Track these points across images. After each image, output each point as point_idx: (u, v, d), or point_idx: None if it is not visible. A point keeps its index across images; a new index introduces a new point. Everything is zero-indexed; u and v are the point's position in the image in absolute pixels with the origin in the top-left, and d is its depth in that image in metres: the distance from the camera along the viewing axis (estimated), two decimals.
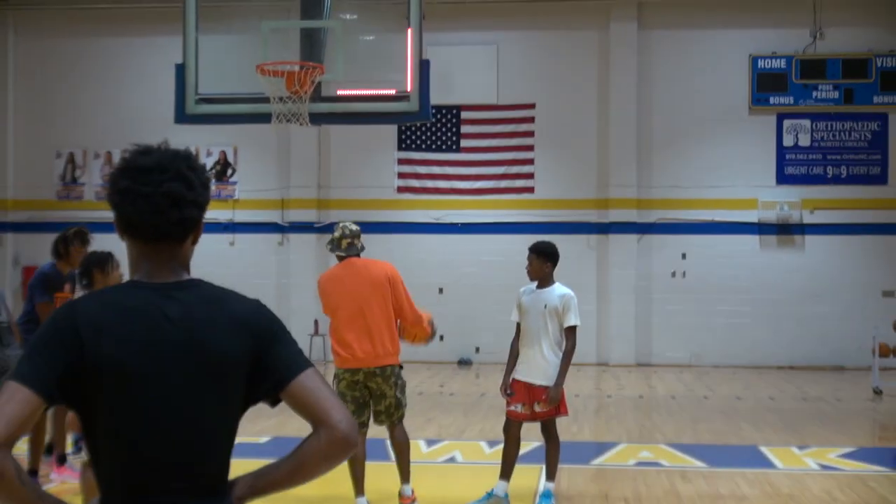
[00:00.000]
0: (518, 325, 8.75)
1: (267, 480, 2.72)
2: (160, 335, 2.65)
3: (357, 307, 8.23)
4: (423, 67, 10.16)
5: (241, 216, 22.39)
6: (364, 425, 8.30)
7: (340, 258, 8.48)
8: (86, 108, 22.87)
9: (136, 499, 2.64)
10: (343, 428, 2.68)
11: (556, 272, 8.65)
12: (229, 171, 22.87)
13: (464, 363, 21.48)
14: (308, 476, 2.71)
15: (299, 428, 11.34)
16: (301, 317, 21.66)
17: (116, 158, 22.80)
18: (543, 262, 8.56)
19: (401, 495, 8.48)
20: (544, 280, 8.61)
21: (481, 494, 8.78)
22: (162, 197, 2.70)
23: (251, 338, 2.74)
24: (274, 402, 2.79)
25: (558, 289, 8.62)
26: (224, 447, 2.75)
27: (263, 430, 12.62)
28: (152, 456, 2.63)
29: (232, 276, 21.76)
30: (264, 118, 10.22)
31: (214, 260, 22.12)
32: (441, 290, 21.81)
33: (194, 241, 2.85)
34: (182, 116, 10.48)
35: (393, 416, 8.41)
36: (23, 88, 23.52)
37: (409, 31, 10.12)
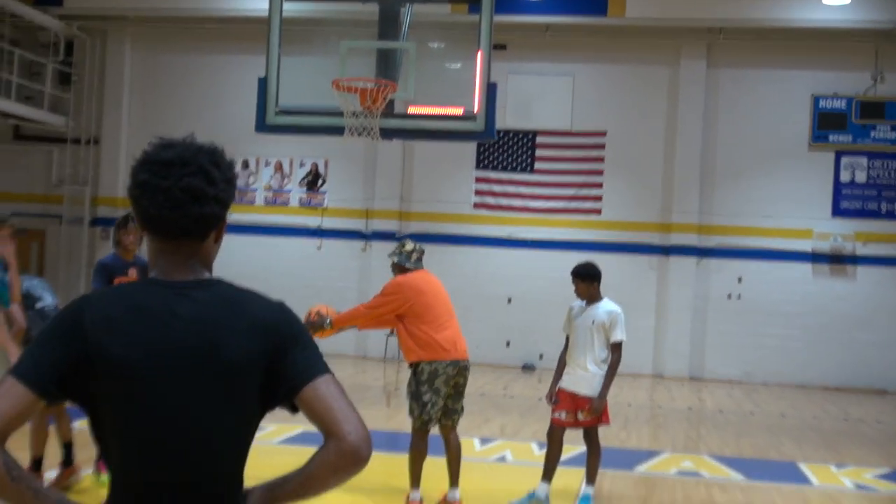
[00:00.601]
0: (567, 337, 8.54)
1: (278, 493, 2.48)
2: (168, 335, 2.41)
3: (448, 308, 8.42)
4: (491, 90, 10.06)
5: (329, 223, 22.64)
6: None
7: (403, 270, 8.46)
8: (191, 117, 23.30)
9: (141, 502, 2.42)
10: (352, 440, 2.39)
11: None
12: (320, 182, 23.10)
13: (528, 368, 21.44)
14: (318, 489, 2.46)
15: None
16: None
17: None
18: (589, 284, 8.48)
19: (448, 499, 8.26)
20: (592, 297, 8.40)
21: (524, 494, 8.53)
22: (181, 192, 2.44)
23: (268, 341, 2.47)
24: (293, 409, 2.51)
25: (606, 305, 8.46)
26: (235, 453, 2.49)
27: None
28: (157, 460, 2.40)
29: (318, 278, 22.22)
30: (338, 131, 10.18)
31: (303, 263, 22.53)
32: (510, 300, 22.15)
33: (217, 240, 2.59)
34: (262, 126, 10.47)
35: (460, 415, 8.48)
36: (136, 98, 24.20)
37: (479, 53, 9.99)
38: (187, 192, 2.45)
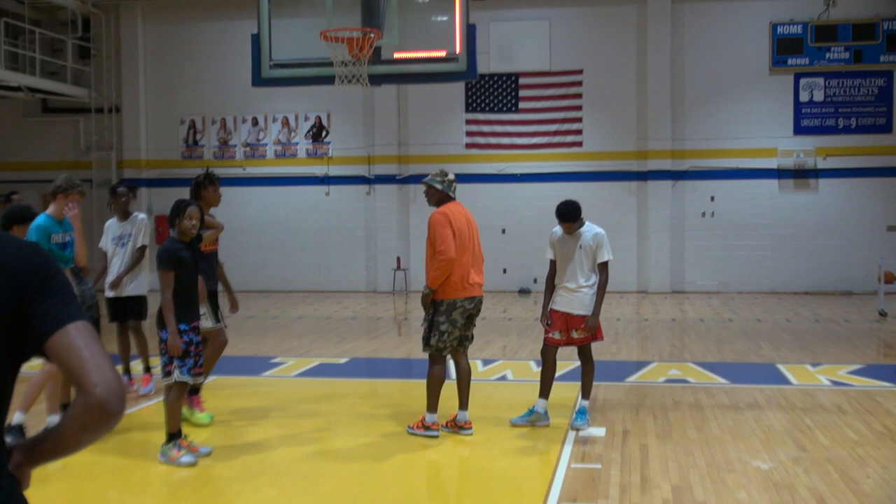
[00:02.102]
0: (552, 262, 8.12)
1: (39, 449, 2.07)
2: None
3: (474, 245, 8.01)
4: (470, 31, 9.59)
5: (335, 171, 22.32)
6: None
7: (442, 198, 7.96)
8: (203, 82, 23.09)
9: None
10: (99, 392, 1.95)
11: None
12: (324, 133, 22.71)
13: (523, 292, 21.16)
14: (72, 446, 2.03)
15: (373, 350, 11.01)
16: (386, 254, 22.16)
17: (230, 124, 22.73)
18: (574, 222, 7.95)
19: (458, 420, 7.90)
20: (577, 226, 8.00)
21: (524, 411, 8.20)
22: None
23: (12, 286, 2.02)
24: (48, 357, 2.07)
25: (590, 228, 8.06)
26: None
27: (343, 351, 12.21)
28: None
29: (328, 221, 21.98)
30: (329, 80, 9.68)
31: (314, 208, 22.34)
32: (504, 231, 21.93)
33: None
34: (258, 80, 10.03)
35: (471, 341, 8.22)
36: (151, 67, 23.72)
37: None
38: None
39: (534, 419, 8.22)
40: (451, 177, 8.05)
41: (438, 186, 7.94)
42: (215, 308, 8.74)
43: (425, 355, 8.04)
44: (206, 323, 8.39)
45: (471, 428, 7.96)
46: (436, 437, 7.88)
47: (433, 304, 7.85)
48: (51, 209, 7.72)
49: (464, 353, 8.11)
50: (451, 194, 7.99)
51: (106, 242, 9.84)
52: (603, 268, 8.10)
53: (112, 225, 9.83)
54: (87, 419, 1.97)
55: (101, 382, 1.96)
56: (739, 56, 21.25)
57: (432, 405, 7.93)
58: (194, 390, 8.40)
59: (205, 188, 8.49)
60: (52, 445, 2.04)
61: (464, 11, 9.44)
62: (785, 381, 10.44)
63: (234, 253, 21.44)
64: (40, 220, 7.69)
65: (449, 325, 7.81)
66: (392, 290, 21.75)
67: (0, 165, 23.44)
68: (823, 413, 8.68)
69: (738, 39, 21.26)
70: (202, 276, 7.84)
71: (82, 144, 23.68)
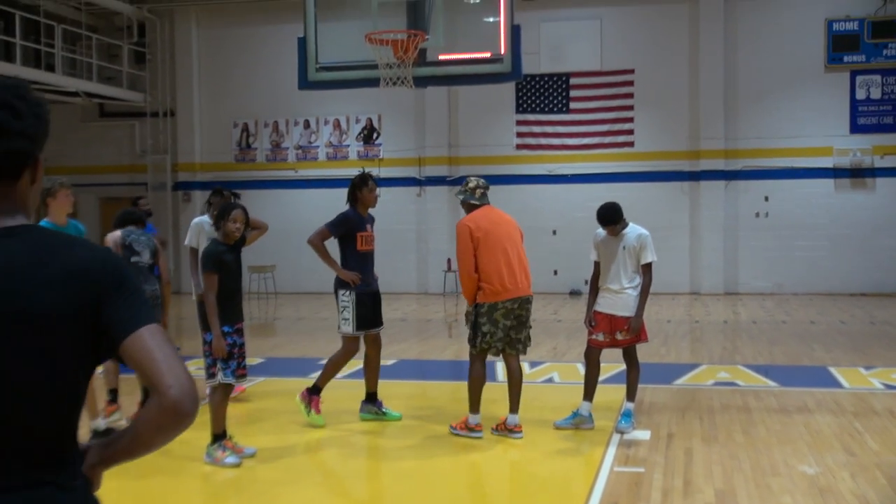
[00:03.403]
0: (596, 263, 8.08)
1: (112, 451, 2.12)
2: None
3: (514, 245, 8.01)
4: (515, 32, 9.56)
5: (386, 172, 22.39)
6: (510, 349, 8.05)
7: (472, 206, 8.08)
8: (255, 85, 23.36)
9: None
10: (173, 394, 2.00)
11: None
12: (375, 135, 22.85)
13: (574, 293, 21.03)
14: (146, 447, 2.08)
15: (421, 352, 11.05)
16: (436, 256, 22.21)
17: (282, 127, 22.93)
18: (615, 224, 7.92)
19: (508, 424, 7.90)
20: (621, 227, 7.96)
21: (568, 413, 8.19)
22: None
23: (87, 289, 2.05)
24: (122, 361, 2.11)
25: (634, 229, 8.01)
26: (55, 412, 2.05)
27: (392, 353, 12.28)
28: None
29: (379, 223, 21.61)
30: (374, 83, 9.73)
31: None
32: (554, 232, 21.86)
33: (34, 181, 2.15)
34: (304, 83, 10.12)
35: (527, 344, 8.15)
36: (205, 71, 24.06)
37: None
38: None
39: (578, 422, 8.19)
40: (473, 183, 8.12)
41: (461, 198, 8.11)
42: None
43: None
44: None
45: (521, 432, 7.95)
46: (479, 437, 7.89)
47: (475, 306, 7.91)
48: (50, 216, 7.60)
49: (516, 356, 8.06)
50: (474, 201, 8.04)
51: (200, 241, 9.68)
52: (647, 269, 8.05)
53: (206, 223, 9.70)
54: (162, 421, 2.02)
55: (175, 384, 2.01)
56: (794, 53, 20.93)
57: (474, 406, 7.96)
58: (316, 390, 8.50)
59: (360, 189, 8.52)
60: (126, 446, 2.09)
61: (509, 12, 9.45)
62: (837, 384, 10.27)
63: (286, 255, 21.66)
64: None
65: (490, 325, 7.84)
66: (443, 291, 21.78)
67: (59, 169, 23.79)
68: (874, 417, 8.54)
69: (793, 36, 20.94)
70: None
71: (137, 148, 24.08)
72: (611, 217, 8.03)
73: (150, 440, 2.06)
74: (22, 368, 2.00)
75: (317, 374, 9.91)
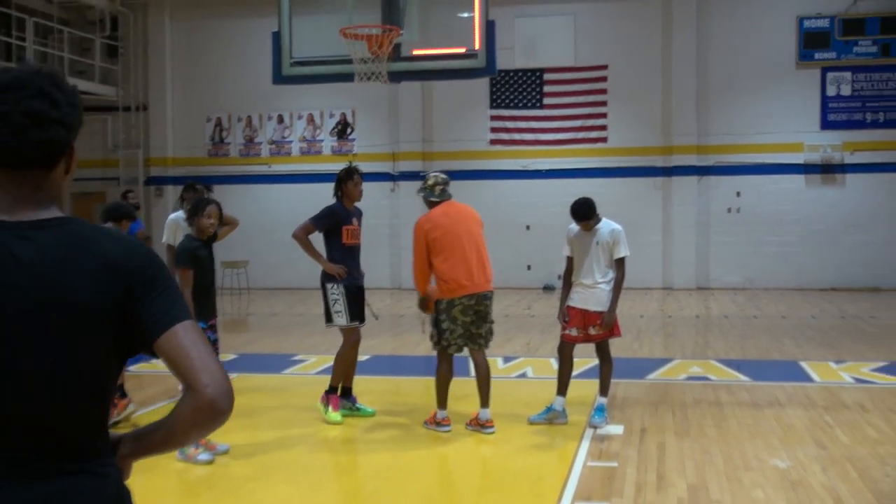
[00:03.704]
0: (569, 258, 8.09)
1: (145, 443, 2.14)
2: (4, 280, 1.98)
3: (472, 241, 8.01)
4: (490, 27, 9.55)
5: (360, 167, 22.01)
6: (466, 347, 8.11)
7: (433, 203, 8.11)
8: (229, 80, 23.21)
9: None
10: (210, 393, 2.01)
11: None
12: (349, 130, 22.79)
13: (548, 289, 21.08)
14: (179, 442, 2.12)
15: (395, 347, 11.00)
16: (410, 251, 21.63)
17: (255, 122, 22.80)
18: (589, 219, 7.94)
19: (480, 419, 7.92)
20: (594, 223, 7.98)
21: (542, 409, 8.20)
22: (21, 115, 2.01)
23: (120, 283, 2.05)
24: (154, 355, 2.11)
25: (607, 224, 8.03)
26: (87, 402, 2.06)
27: (366, 348, 12.27)
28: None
29: None
30: (348, 78, 9.70)
31: None
32: (528, 227, 21.89)
33: (68, 171, 2.15)
34: (279, 77, 10.07)
35: (488, 339, 8.19)
36: (178, 65, 23.89)
37: None
38: (28, 116, 2.02)
39: (552, 417, 8.20)
40: (432, 181, 8.17)
41: (422, 195, 8.18)
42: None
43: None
44: None
45: (493, 426, 7.95)
46: (447, 430, 7.96)
47: (436, 303, 7.96)
48: None
49: (479, 350, 8.10)
50: (433, 199, 8.09)
51: (178, 238, 9.60)
52: (620, 264, 8.07)
53: (180, 219, 9.60)
54: (198, 418, 2.04)
55: (212, 383, 2.02)
56: (766, 50, 21.01)
57: (442, 401, 8.06)
58: (332, 390, 8.52)
59: (345, 183, 8.52)
60: (159, 440, 2.11)
61: (483, 8, 9.43)
62: (807, 378, 10.35)
63: (259, 250, 21.57)
64: None
65: (449, 322, 7.90)
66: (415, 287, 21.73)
67: None
68: (845, 411, 8.60)
69: (765, 33, 21.02)
70: None
71: (110, 142, 23.81)
72: (584, 212, 8.04)
73: (186, 436, 2.09)
74: (54, 359, 2.01)
75: (291, 370, 9.88)
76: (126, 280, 2.06)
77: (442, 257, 7.87)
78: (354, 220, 8.56)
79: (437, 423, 8.03)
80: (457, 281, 7.86)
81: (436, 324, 7.97)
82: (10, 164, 2.05)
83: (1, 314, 1.98)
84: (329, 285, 8.46)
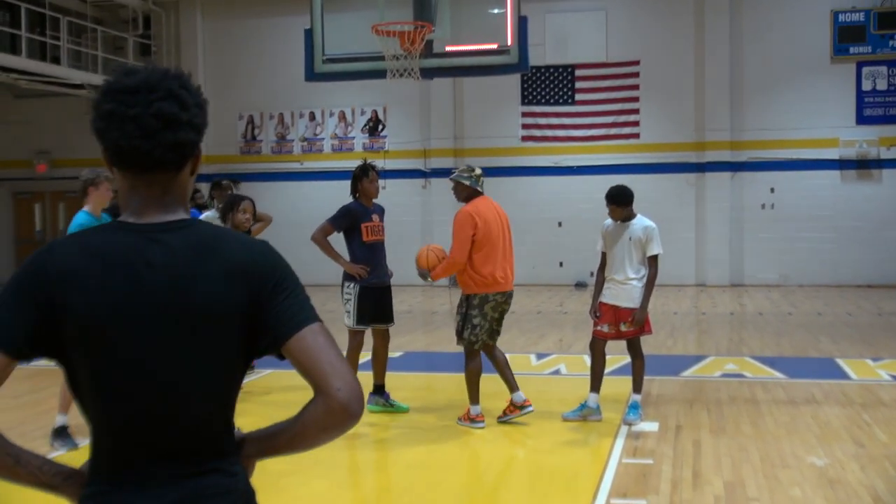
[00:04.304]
0: (603, 254, 8.05)
1: (271, 444, 2.13)
2: (138, 284, 2.00)
3: (505, 239, 8.07)
4: (522, 23, 9.54)
5: (391, 164, 22.28)
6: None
7: (473, 193, 8.01)
8: (261, 77, 23.30)
9: (120, 461, 2.04)
10: (342, 397, 2.00)
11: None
12: (380, 127, 22.80)
13: (580, 285, 20.96)
14: (308, 445, 2.09)
15: (428, 343, 11.02)
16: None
17: (287, 119, 22.87)
18: (623, 207, 7.91)
19: (515, 402, 7.96)
20: (628, 216, 7.93)
21: (576, 405, 8.18)
22: (153, 118, 2.01)
23: (249, 286, 2.05)
24: (281, 357, 2.11)
25: (641, 221, 7.98)
26: (217, 402, 2.09)
27: (398, 345, 12.27)
28: (134, 412, 2.02)
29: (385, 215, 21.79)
30: (381, 74, 9.72)
31: None
32: (560, 224, 21.74)
33: (193, 172, 2.15)
34: (311, 75, 10.09)
35: (499, 335, 8.24)
36: (210, 62, 24.01)
37: None
38: (159, 118, 2.02)
39: (586, 413, 8.18)
40: (479, 171, 8.12)
41: (466, 182, 8.03)
42: None
43: (481, 349, 8.07)
44: None
45: (531, 404, 8.03)
46: (482, 427, 7.95)
47: (466, 298, 7.90)
48: (88, 206, 7.64)
49: (494, 345, 8.16)
50: (479, 189, 8.03)
51: None
52: (653, 261, 8.02)
53: (213, 218, 9.71)
54: (329, 422, 2.03)
55: (344, 386, 2.01)
56: (800, 45, 20.78)
57: (474, 397, 8.05)
58: (379, 389, 8.66)
59: (360, 180, 8.53)
60: (285, 442, 2.10)
61: (515, 3, 9.41)
62: (844, 375, 10.24)
63: (291, 247, 21.51)
64: (81, 218, 7.56)
65: (481, 318, 7.92)
66: (448, 284, 21.72)
67: (64, 161, 23.85)
68: (883, 409, 8.51)
69: (799, 28, 20.78)
70: None
71: None
72: (620, 197, 8.02)
73: (315, 439, 2.07)
74: (186, 361, 2.03)
75: None
76: (254, 282, 2.07)
77: (482, 253, 7.87)
78: (375, 217, 8.54)
79: (471, 419, 8.02)
80: (493, 277, 7.88)
81: (466, 320, 7.95)
82: (142, 166, 2.06)
83: (133, 316, 2.00)
84: (346, 284, 8.51)
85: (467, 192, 8.03)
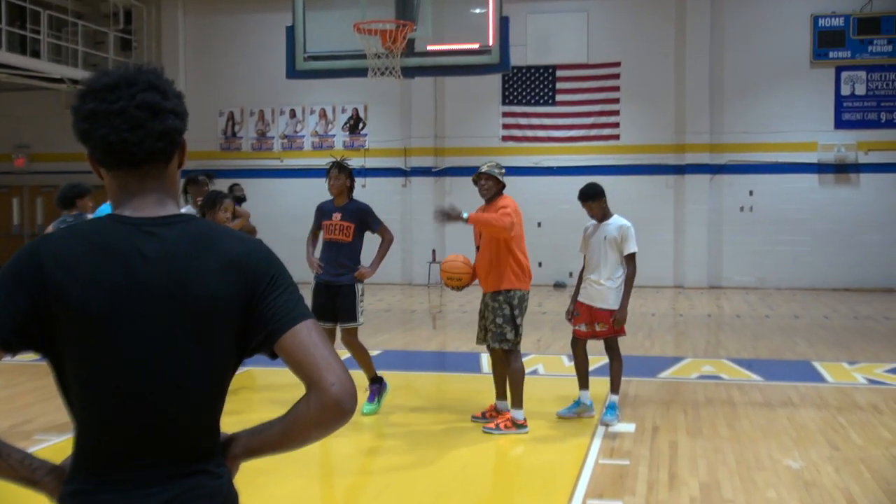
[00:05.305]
0: (585, 256, 8.10)
1: (260, 442, 2.10)
2: (132, 276, 1.98)
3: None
4: (504, 23, 9.56)
5: (372, 163, 22.35)
6: None
7: (500, 191, 8.01)
8: (242, 74, 23.26)
9: (105, 459, 2.01)
10: (335, 392, 1.97)
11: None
12: (361, 125, 22.76)
13: (559, 286, 20.99)
14: (299, 442, 2.05)
15: (406, 342, 10.99)
16: (421, 246, 22.18)
17: (267, 116, 22.78)
18: (597, 202, 7.93)
19: (498, 408, 8.19)
20: (605, 215, 7.95)
21: (570, 402, 8.40)
22: (137, 109, 2.01)
23: (243, 282, 2.05)
24: (272, 356, 2.09)
25: (616, 220, 8.04)
26: (208, 397, 2.07)
27: (377, 343, 12.25)
28: (123, 406, 1.98)
29: None
30: (362, 73, 9.69)
31: None
32: (539, 224, 21.65)
33: (180, 165, 2.15)
34: (292, 72, 10.07)
35: None
36: (191, 58, 23.91)
37: None
38: (144, 109, 2.02)
39: (580, 411, 8.28)
40: (503, 168, 8.12)
41: (497, 174, 7.97)
42: None
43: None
44: None
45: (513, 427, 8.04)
46: (527, 432, 7.81)
47: (507, 298, 7.69)
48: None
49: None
50: (502, 183, 8.05)
51: None
52: (630, 260, 8.05)
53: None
54: (322, 418, 2.00)
55: (337, 382, 1.99)
56: (780, 49, 20.88)
57: (519, 400, 7.87)
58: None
59: (327, 177, 8.59)
60: (275, 440, 2.07)
61: (497, 4, 9.42)
62: (820, 378, 10.30)
63: (270, 244, 21.27)
64: (107, 209, 7.60)
65: (522, 317, 7.86)
66: (427, 282, 21.73)
67: (43, 156, 23.72)
68: (858, 412, 8.55)
69: (779, 32, 20.89)
70: None
71: None
72: (589, 192, 8.08)
73: (306, 436, 2.04)
74: (180, 357, 2.01)
75: None
76: (249, 278, 2.06)
77: (523, 246, 7.88)
78: (336, 216, 8.49)
79: (517, 425, 7.82)
80: (530, 271, 7.92)
81: (510, 321, 7.73)
82: (132, 160, 2.05)
83: (125, 307, 1.98)
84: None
85: (498, 188, 7.99)
